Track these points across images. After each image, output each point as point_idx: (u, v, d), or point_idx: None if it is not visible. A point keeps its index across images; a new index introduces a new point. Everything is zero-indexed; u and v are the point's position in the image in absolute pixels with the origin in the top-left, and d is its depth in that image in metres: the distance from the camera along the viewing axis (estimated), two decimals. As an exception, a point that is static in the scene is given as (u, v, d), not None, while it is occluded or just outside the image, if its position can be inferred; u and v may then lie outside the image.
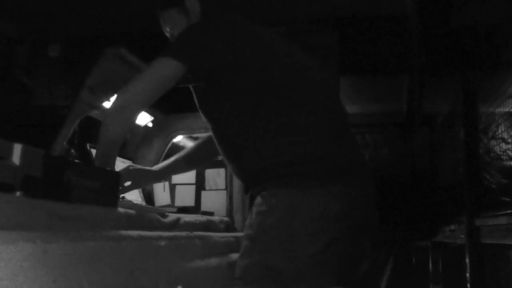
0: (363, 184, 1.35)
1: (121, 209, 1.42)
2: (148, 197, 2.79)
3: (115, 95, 1.40)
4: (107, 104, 2.45)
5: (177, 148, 3.41)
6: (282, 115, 1.33)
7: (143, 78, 1.36)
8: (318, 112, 1.36)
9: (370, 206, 1.37)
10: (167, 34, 1.64)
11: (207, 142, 1.70)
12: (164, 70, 1.34)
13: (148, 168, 1.89)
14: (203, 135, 3.45)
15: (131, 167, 1.81)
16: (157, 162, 2.96)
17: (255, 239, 1.31)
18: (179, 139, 3.31)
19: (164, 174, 1.92)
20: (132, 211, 1.48)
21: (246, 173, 1.43)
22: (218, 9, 1.57)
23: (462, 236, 2.80)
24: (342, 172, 1.30)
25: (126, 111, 1.36)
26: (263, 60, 1.37)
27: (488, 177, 3.04)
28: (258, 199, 1.33)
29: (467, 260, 2.67)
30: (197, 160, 1.93)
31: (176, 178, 2.88)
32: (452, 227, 3.20)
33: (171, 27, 1.61)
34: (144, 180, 1.85)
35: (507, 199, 2.52)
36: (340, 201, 1.26)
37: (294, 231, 1.25)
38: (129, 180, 1.76)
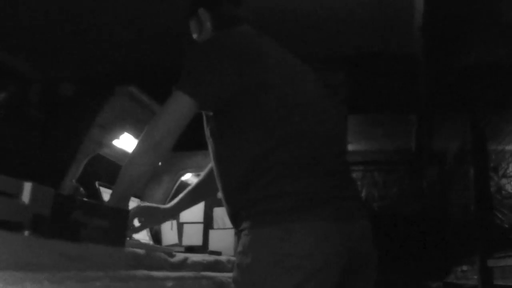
0: (343, 220, 1.31)
1: (128, 249, 1.41)
2: (156, 236, 2.77)
3: (142, 134, 1.40)
4: (116, 142, 2.46)
5: (185, 186, 3.41)
6: (262, 152, 1.32)
7: (168, 116, 1.37)
8: (307, 147, 1.34)
9: (353, 242, 1.32)
10: None
11: (210, 175, 1.69)
12: (182, 107, 1.36)
13: (158, 206, 1.88)
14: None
15: (141, 205, 1.81)
16: (165, 200, 2.95)
17: (236, 280, 1.30)
18: (187, 177, 3.31)
19: (175, 211, 1.90)
20: (139, 251, 1.47)
21: (229, 213, 1.43)
22: (226, 23, 1.60)
23: (475, 277, 2.74)
24: (315, 207, 1.27)
25: (160, 149, 1.37)
26: (262, 89, 1.37)
27: (500, 216, 3.00)
28: (240, 240, 1.33)
29: (481, 302, 2.60)
30: (202, 195, 1.92)
31: (184, 217, 2.86)
32: (464, 267, 3.14)
33: (195, 36, 1.71)
34: (155, 218, 1.83)
35: (520, 239, 2.48)
36: (309, 237, 1.24)
37: (266, 270, 1.24)
38: (140, 218, 1.75)
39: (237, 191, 1.35)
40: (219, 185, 1.46)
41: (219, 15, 1.64)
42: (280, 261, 1.23)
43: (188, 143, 1.47)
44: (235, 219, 1.38)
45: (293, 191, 1.28)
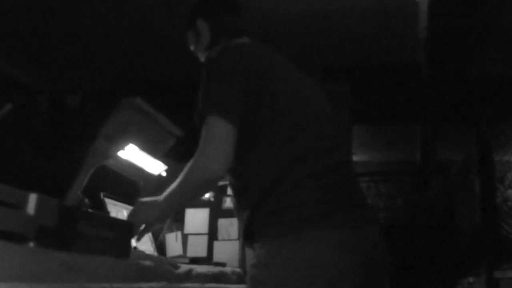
0: (357, 227, 1.30)
1: (133, 260, 1.41)
2: (160, 247, 2.76)
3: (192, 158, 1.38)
4: (122, 154, 2.47)
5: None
6: (276, 168, 1.32)
7: (212, 139, 1.32)
8: (318, 159, 1.34)
9: (367, 249, 1.31)
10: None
11: None
12: (219, 129, 1.32)
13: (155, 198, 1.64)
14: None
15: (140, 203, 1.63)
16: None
17: None
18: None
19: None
20: (144, 262, 1.47)
21: (240, 223, 1.42)
22: (226, 35, 1.60)
23: (482, 289, 2.72)
24: (328, 216, 1.27)
25: (212, 173, 1.33)
26: (270, 107, 1.37)
27: (506, 227, 2.98)
28: (251, 252, 1.33)
29: (488, 315, 2.58)
30: None
31: (189, 228, 2.86)
32: (471, 279, 3.11)
33: (192, 47, 1.71)
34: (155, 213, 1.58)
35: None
36: (325, 246, 1.23)
37: (283, 282, 1.23)
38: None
39: (253, 206, 1.34)
40: (234, 201, 1.45)
41: (219, 26, 1.63)
42: (297, 272, 1.22)
43: (192, 154, 1.46)
44: (249, 232, 1.37)
45: (306, 201, 1.28)
